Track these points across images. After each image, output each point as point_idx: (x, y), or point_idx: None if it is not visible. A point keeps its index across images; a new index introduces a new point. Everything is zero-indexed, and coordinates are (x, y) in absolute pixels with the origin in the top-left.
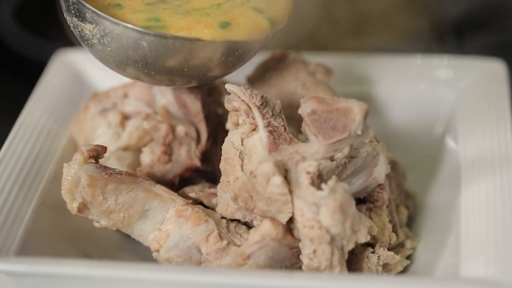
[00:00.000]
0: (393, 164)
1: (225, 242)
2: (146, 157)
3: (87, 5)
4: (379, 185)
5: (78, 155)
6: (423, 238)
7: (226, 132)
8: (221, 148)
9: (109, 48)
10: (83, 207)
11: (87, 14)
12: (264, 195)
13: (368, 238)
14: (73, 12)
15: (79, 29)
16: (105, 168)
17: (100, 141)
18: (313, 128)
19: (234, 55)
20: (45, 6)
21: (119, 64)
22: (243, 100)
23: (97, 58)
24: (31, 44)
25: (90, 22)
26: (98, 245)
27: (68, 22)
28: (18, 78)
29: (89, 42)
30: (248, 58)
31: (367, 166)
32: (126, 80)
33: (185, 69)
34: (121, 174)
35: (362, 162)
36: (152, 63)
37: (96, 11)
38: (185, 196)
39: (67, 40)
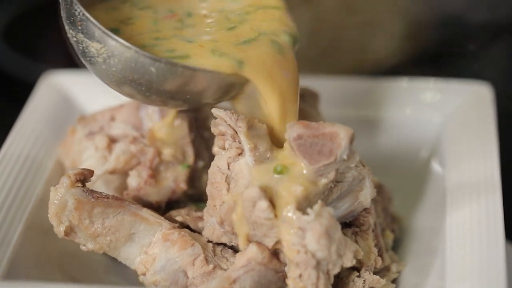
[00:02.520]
0: (379, 188)
1: (211, 266)
2: (133, 181)
3: (97, 24)
4: (365, 209)
5: (65, 178)
6: (408, 261)
7: (212, 156)
8: (207, 172)
9: (114, 69)
10: (70, 231)
11: (96, 33)
12: (250, 219)
13: (354, 262)
14: (79, 28)
15: (84, 45)
16: (92, 191)
17: (87, 164)
18: (299, 153)
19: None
20: (34, 26)
21: (119, 83)
22: (229, 125)
23: (97, 75)
24: (20, 65)
25: (98, 41)
26: (85, 268)
27: (69, 36)
28: (6, 99)
29: (93, 59)
30: None
31: (353, 190)
32: (113, 102)
33: (188, 96)
34: (108, 197)
35: (348, 187)
36: (156, 87)
37: (107, 32)
38: (172, 220)
39: (56, 61)
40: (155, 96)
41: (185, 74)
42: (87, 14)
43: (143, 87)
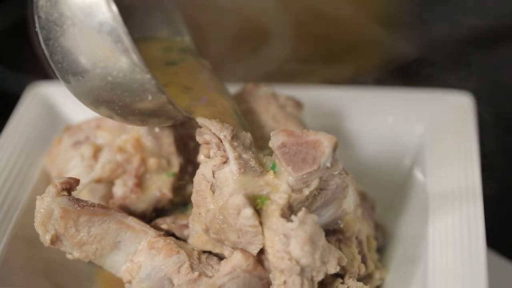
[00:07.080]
0: (362, 196)
1: (196, 273)
2: (119, 189)
3: None
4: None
5: (51, 187)
6: (392, 269)
7: (197, 165)
8: (192, 180)
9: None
10: (55, 239)
11: None
12: (235, 227)
13: (338, 269)
14: None
15: None
16: (77, 200)
17: (73, 173)
18: (283, 161)
19: None
20: (19, 39)
21: (92, 100)
22: (214, 133)
23: (69, 86)
24: (5, 76)
25: None
26: (71, 277)
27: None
28: None
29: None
30: None
31: (337, 198)
32: None
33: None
34: (94, 206)
35: (332, 194)
36: (128, 105)
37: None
38: (157, 228)
39: (41, 72)
40: (130, 115)
41: (169, 109)
42: None
43: (112, 104)
